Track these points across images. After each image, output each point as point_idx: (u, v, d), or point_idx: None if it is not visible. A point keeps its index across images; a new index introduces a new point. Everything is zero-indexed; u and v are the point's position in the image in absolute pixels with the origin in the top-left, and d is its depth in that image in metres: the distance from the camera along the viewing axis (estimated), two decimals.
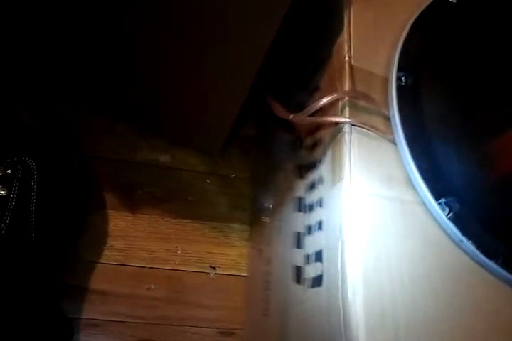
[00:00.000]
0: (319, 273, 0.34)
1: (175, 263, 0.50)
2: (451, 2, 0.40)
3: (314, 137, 0.40)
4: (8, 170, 0.42)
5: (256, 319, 0.47)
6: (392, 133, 0.35)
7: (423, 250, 0.32)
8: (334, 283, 0.31)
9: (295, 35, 0.45)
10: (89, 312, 0.47)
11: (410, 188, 0.34)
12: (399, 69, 0.37)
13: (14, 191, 0.41)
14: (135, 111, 0.51)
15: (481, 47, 0.39)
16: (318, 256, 0.35)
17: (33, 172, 0.43)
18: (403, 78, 0.36)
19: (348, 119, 0.35)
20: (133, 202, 0.51)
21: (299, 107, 0.39)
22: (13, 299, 0.40)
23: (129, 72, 0.45)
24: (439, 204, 0.33)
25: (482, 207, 0.34)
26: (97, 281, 0.48)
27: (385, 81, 0.37)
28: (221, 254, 0.52)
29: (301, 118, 0.38)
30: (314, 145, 0.40)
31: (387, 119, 0.36)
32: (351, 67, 0.36)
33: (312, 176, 0.39)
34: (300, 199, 0.41)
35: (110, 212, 0.50)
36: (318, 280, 0.34)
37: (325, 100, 0.36)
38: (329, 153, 0.36)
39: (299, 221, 0.40)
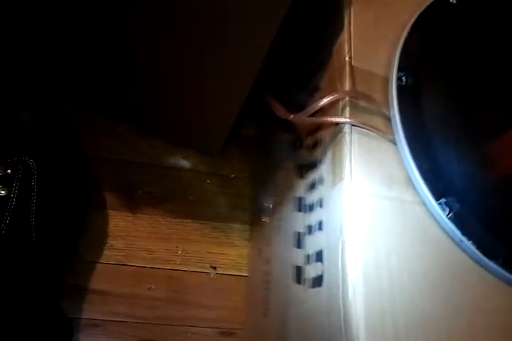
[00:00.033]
0: (319, 273, 0.34)
1: (175, 263, 0.50)
2: (451, 2, 0.40)
3: (314, 137, 0.40)
4: (9, 170, 0.42)
5: (256, 319, 0.47)
6: (392, 133, 0.35)
7: (422, 249, 0.32)
8: (335, 283, 0.31)
9: (295, 35, 0.44)
10: (90, 312, 0.46)
11: (410, 188, 0.34)
12: (399, 69, 0.37)
13: (14, 191, 0.41)
14: (135, 111, 0.51)
15: (481, 48, 0.39)
16: (319, 256, 0.35)
17: (33, 172, 0.43)
18: (403, 78, 0.36)
19: (348, 119, 0.35)
20: (133, 202, 0.51)
21: (299, 107, 0.39)
22: (13, 299, 0.40)
23: (129, 72, 0.45)
24: (439, 204, 0.33)
25: (482, 207, 0.34)
26: (97, 281, 0.48)
27: (386, 81, 0.37)
28: (221, 254, 0.52)
29: (301, 119, 0.38)
30: (314, 146, 0.40)
31: (388, 119, 0.36)
32: (351, 67, 0.37)
33: (312, 176, 0.39)
34: (300, 199, 0.41)
35: (110, 212, 0.50)
36: (318, 281, 0.34)
37: (325, 100, 0.36)
38: (329, 153, 0.36)
39: (299, 221, 0.40)
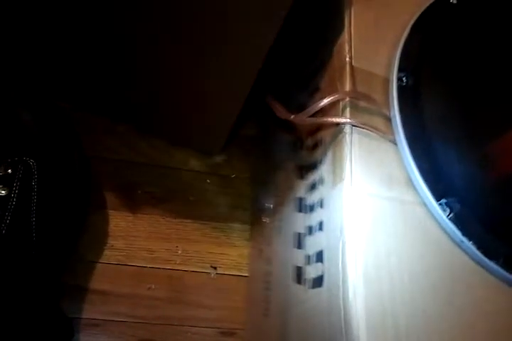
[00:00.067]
0: (320, 273, 0.34)
1: (175, 263, 0.50)
2: (451, 3, 0.40)
3: (315, 138, 0.40)
4: (9, 170, 0.42)
5: (257, 319, 0.47)
6: (392, 133, 0.35)
7: (423, 250, 0.32)
8: (335, 284, 0.31)
9: (296, 36, 0.44)
10: (90, 312, 0.47)
11: (411, 189, 0.34)
12: (400, 70, 0.37)
13: (15, 191, 0.41)
14: (135, 111, 0.51)
15: (481, 48, 0.39)
16: (319, 257, 0.35)
17: (33, 172, 0.43)
18: (404, 78, 0.36)
19: (348, 120, 0.35)
20: (133, 202, 0.51)
21: (300, 108, 0.39)
22: (13, 299, 0.40)
23: (129, 72, 0.45)
24: (440, 204, 0.33)
25: (483, 207, 0.34)
26: (98, 281, 0.48)
27: (386, 81, 0.37)
28: (222, 254, 0.52)
29: (301, 119, 0.38)
30: (315, 146, 0.40)
31: (388, 120, 0.36)
32: (352, 67, 0.36)
33: (313, 177, 0.39)
34: (300, 200, 0.41)
35: (110, 211, 0.50)
36: (318, 281, 0.34)
37: (326, 101, 0.36)
38: (330, 154, 0.36)
39: (300, 221, 0.40)
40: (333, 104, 0.36)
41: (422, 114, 0.36)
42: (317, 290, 0.34)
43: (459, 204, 0.33)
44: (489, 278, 0.33)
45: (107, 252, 0.49)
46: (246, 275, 0.52)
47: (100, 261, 0.48)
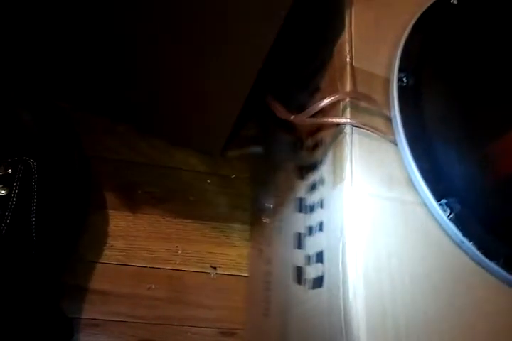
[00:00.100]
0: (320, 274, 0.34)
1: (175, 263, 0.50)
2: (452, 3, 0.40)
3: (315, 138, 0.40)
4: (9, 170, 0.42)
5: (257, 319, 0.47)
6: (393, 134, 0.35)
7: (424, 250, 0.32)
8: (335, 284, 0.31)
9: (296, 36, 0.44)
10: (90, 312, 0.47)
11: (411, 189, 0.34)
12: (400, 70, 0.36)
13: (15, 191, 0.41)
14: (135, 111, 0.51)
15: (482, 48, 0.39)
16: (319, 257, 0.35)
17: (33, 171, 0.43)
18: (404, 79, 0.36)
19: (349, 120, 0.35)
20: (133, 202, 0.51)
21: (300, 108, 0.39)
22: (13, 299, 0.40)
23: (129, 72, 0.45)
24: (440, 205, 0.33)
25: (483, 208, 0.34)
26: (98, 281, 0.48)
27: (387, 82, 0.37)
28: (222, 254, 0.52)
29: (302, 119, 0.38)
30: (315, 146, 0.40)
31: (388, 120, 0.36)
32: (352, 67, 0.36)
33: (313, 177, 0.39)
34: (301, 200, 0.41)
35: (110, 211, 0.50)
36: (319, 281, 0.34)
37: (326, 101, 0.36)
38: (330, 154, 0.36)
39: (300, 221, 0.40)
40: (333, 105, 0.36)
41: (423, 115, 0.35)
42: (317, 290, 0.34)
43: (460, 204, 0.33)
44: (490, 278, 0.33)
45: (107, 252, 0.49)
46: (246, 275, 0.52)
47: (100, 261, 0.48)
